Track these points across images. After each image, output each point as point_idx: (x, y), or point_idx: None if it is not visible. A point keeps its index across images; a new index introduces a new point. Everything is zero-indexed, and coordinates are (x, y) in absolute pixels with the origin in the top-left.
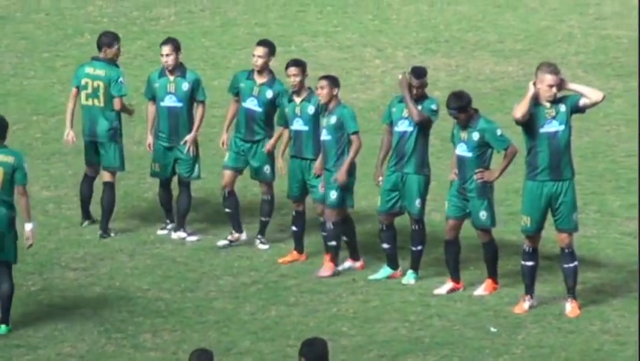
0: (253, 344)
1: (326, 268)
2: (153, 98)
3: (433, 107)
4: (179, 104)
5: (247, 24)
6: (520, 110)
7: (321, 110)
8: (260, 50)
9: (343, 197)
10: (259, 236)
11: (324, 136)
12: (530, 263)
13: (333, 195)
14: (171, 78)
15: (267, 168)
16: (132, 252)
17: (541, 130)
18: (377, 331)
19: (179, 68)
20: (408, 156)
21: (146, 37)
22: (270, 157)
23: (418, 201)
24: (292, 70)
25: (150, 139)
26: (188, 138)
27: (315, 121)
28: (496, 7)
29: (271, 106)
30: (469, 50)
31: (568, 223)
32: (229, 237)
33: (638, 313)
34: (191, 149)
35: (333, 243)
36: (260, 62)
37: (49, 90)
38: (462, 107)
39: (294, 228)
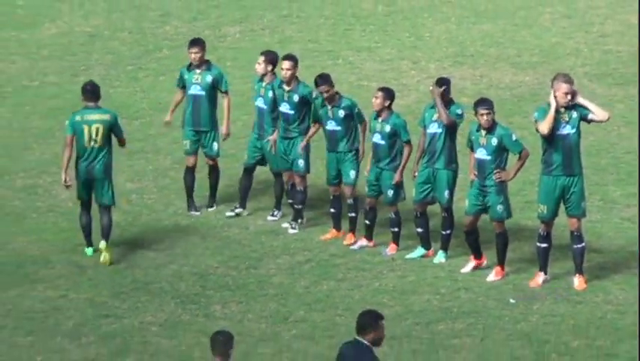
0: (307, 313)
1: (391, 248)
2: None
3: (459, 111)
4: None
5: (301, 41)
6: (546, 126)
7: (375, 116)
8: (287, 64)
9: (398, 193)
10: (292, 222)
11: (379, 140)
12: (545, 245)
13: (390, 193)
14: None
15: (300, 162)
16: (204, 235)
17: (557, 133)
18: (413, 302)
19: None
20: (438, 154)
21: (215, 53)
22: (305, 151)
23: (447, 193)
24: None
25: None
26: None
27: (347, 122)
28: (514, 26)
29: (301, 107)
30: (492, 63)
31: (577, 210)
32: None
33: (637, 287)
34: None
35: (396, 229)
36: (288, 74)
37: (133, 97)
38: (492, 106)
39: (332, 210)
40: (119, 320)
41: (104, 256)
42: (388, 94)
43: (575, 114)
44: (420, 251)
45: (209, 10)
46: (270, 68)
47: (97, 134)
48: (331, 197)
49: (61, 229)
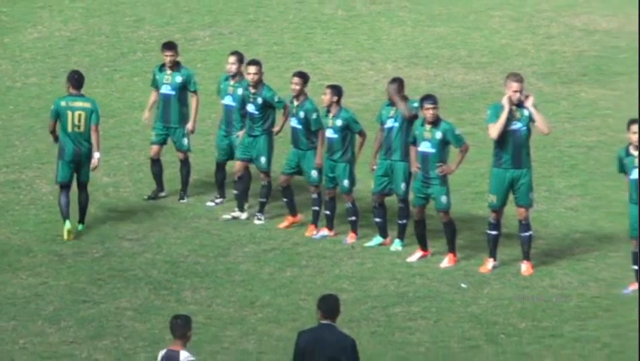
0: (272, 298)
1: (350, 237)
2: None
3: (415, 104)
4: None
5: (267, 43)
6: (496, 132)
7: (326, 113)
8: (253, 69)
9: (353, 183)
10: (258, 214)
11: (331, 135)
12: (494, 232)
13: (346, 183)
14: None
15: (263, 159)
16: (175, 225)
17: (508, 128)
18: (371, 287)
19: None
20: (395, 148)
21: (186, 55)
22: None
23: (403, 185)
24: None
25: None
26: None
27: (307, 122)
28: (466, 29)
29: (265, 109)
30: (445, 63)
31: (525, 201)
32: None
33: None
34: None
35: (354, 218)
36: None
37: (109, 97)
38: (437, 102)
39: (284, 198)
40: (96, 305)
41: (68, 233)
42: (336, 90)
43: (526, 112)
44: (378, 240)
45: (180, 15)
46: (240, 67)
47: (79, 120)
48: (281, 188)
49: (42, 220)
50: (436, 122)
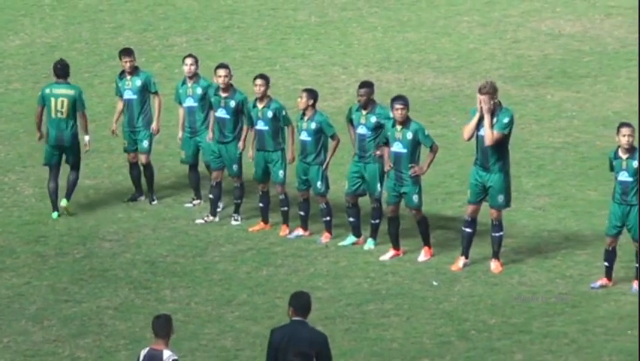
0: (249, 297)
1: (325, 236)
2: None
3: (391, 115)
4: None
5: (242, 49)
6: (466, 135)
7: (301, 116)
8: (222, 72)
9: (326, 185)
10: (234, 214)
11: (305, 137)
12: (469, 230)
13: (319, 185)
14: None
15: (235, 166)
16: (154, 226)
17: (479, 133)
18: (345, 285)
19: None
20: (368, 151)
21: (164, 60)
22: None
23: (378, 185)
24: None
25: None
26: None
27: (275, 123)
28: (435, 34)
29: (237, 113)
30: (415, 67)
31: (495, 202)
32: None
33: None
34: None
35: (327, 218)
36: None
37: (89, 102)
38: (407, 103)
39: (260, 204)
40: (77, 305)
41: (67, 209)
42: (312, 94)
43: (494, 119)
44: (351, 239)
45: (158, 22)
46: (197, 68)
47: (62, 107)
48: (260, 193)
49: (25, 222)
50: (406, 123)
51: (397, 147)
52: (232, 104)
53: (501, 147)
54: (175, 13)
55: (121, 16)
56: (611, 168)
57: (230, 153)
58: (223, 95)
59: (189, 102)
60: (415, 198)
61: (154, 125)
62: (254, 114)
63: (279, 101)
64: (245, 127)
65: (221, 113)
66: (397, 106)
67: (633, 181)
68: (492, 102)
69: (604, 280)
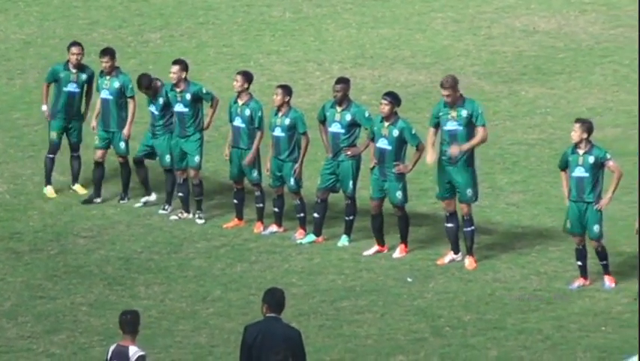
0: (223, 293)
1: (299, 233)
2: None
3: (366, 114)
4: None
5: (216, 45)
6: (430, 157)
7: (275, 112)
8: (174, 68)
9: (300, 181)
10: (198, 212)
11: (279, 133)
12: (450, 225)
13: (292, 181)
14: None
15: (197, 158)
16: (129, 223)
17: (444, 128)
18: (319, 282)
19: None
20: (341, 149)
21: (139, 57)
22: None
23: (351, 183)
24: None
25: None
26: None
27: (251, 120)
28: (409, 30)
29: (194, 104)
30: (389, 64)
31: (463, 197)
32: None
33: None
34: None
35: (302, 215)
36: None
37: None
38: (395, 99)
39: (235, 201)
40: (52, 301)
41: (79, 189)
42: (287, 90)
43: (464, 113)
44: (310, 237)
45: (132, 19)
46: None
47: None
48: (234, 190)
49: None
50: (393, 120)
51: (382, 144)
52: (188, 96)
53: (470, 139)
54: (149, 10)
55: (95, 12)
56: (563, 165)
57: (192, 146)
58: (178, 90)
59: (152, 108)
60: (399, 194)
61: (125, 131)
62: (233, 110)
63: (259, 102)
64: (259, 133)
65: (179, 107)
66: (383, 101)
67: (589, 177)
68: (456, 95)
69: (581, 281)
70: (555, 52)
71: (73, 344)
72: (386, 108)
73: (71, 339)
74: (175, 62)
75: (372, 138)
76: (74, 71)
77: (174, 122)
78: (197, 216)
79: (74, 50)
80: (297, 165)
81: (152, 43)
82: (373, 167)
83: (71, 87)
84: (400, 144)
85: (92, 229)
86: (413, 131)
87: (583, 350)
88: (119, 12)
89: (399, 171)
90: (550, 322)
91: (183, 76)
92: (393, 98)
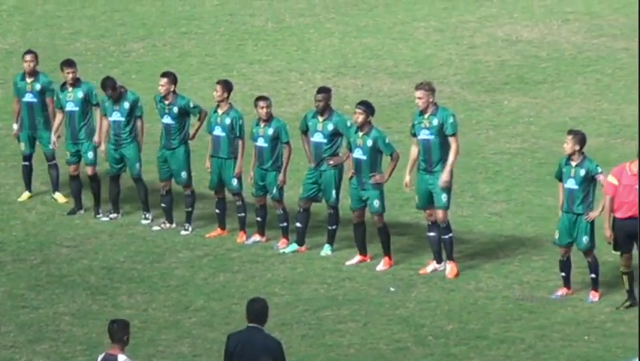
0: (206, 302)
1: (282, 242)
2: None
3: (348, 123)
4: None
5: (199, 55)
6: (407, 176)
7: (257, 122)
8: (162, 81)
9: (283, 190)
10: (186, 224)
11: (262, 144)
12: (432, 233)
13: (275, 191)
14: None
15: (183, 174)
16: (111, 232)
17: (419, 137)
18: (302, 291)
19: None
20: (324, 160)
21: (121, 67)
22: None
23: (334, 192)
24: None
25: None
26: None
27: (232, 129)
28: (392, 39)
29: (181, 118)
30: (372, 73)
31: (439, 203)
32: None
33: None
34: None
35: (284, 224)
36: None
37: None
38: (368, 108)
39: (217, 211)
40: (35, 311)
41: (60, 197)
42: (270, 101)
43: (435, 122)
44: (293, 246)
45: (115, 28)
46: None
47: None
48: (215, 199)
49: None
50: (367, 130)
51: (358, 154)
52: (175, 110)
53: (444, 148)
54: (132, 19)
55: (78, 22)
56: (559, 175)
57: (179, 160)
58: (166, 102)
59: (116, 116)
60: (377, 203)
61: (95, 138)
62: (212, 120)
63: (239, 111)
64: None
65: (166, 120)
66: (357, 110)
67: (579, 190)
68: (429, 101)
69: (564, 290)
70: (538, 61)
71: (56, 354)
72: (360, 117)
73: (54, 349)
74: (164, 75)
75: (350, 149)
76: (29, 80)
77: (161, 134)
78: (184, 227)
79: (27, 57)
80: (281, 175)
81: (135, 52)
82: (351, 177)
83: (28, 97)
84: (374, 153)
85: (74, 238)
86: (387, 141)
87: (565, 359)
88: (101, 22)
89: (375, 181)
90: (533, 331)
91: (172, 89)
92: (367, 107)
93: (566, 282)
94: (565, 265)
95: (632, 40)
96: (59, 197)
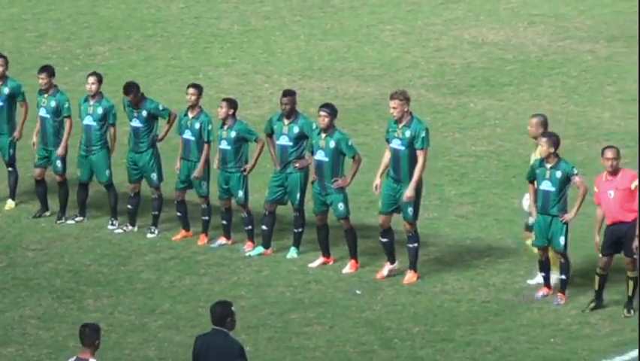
0: (172, 306)
1: (247, 245)
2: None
3: (314, 126)
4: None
5: (165, 58)
6: (375, 183)
7: (221, 125)
8: (192, 90)
9: (247, 193)
10: (152, 227)
11: (225, 146)
12: (385, 239)
13: (240, 194)
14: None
15: (153, 175)
16: (77, 236)
17: (390, 145)
18: (268, 294)
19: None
20: (289, 163)
21: (87, 69)
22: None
23: (298, 195)
24: (191, 90)
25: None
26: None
27: (200, 133)
28: (358, 42)
29: (150, 121)
30: (337, 76)
31: (405, 215)
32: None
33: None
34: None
35: (250, 227)
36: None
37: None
38: (332, 111)
39: (178, 213)
40: (0, 314)
41: (9, 204)
42: (232, 103)
43: (407, 133)
44: (259, 249)
45: (80, 31)
46: (99, 87)
47: None
48: (175, 201)
49: None
50: (330, 132)
51: (320, 156)
52: (144, 113)
53: (413, 160)
54: (98, 22)
55: (44, 25)
56: (531, 176)
57: (148, 163)
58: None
59: (88, 120)
60: (341, 206)
61: (59, 150)
62: (182, 123)
63: (208, 115)
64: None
65: (135, 123)
66: (321, 113)
67: (555, 191)
68: (403, 110)
69: (545, 290)
70: (504, 63)
71: (22, 357)
72: (326, 120)
73: (20, 352)
74: (127, 86)
75: (312, 151)
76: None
77: (129, 137)
78: (150, 230)
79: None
80: (249, 165)
81: (101, 55)
82: (313, 181)
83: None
84: (337, 155)
85: (40, 241)
86: (350, 143)
87: None
88: (67, 25)
89: (338, 185)
90: (499, 334)
91: (139, 94)
92: (332, 110)
93: (546, 282)
94: (544, 266)
95: (597, 42)
96: (8, 204)
